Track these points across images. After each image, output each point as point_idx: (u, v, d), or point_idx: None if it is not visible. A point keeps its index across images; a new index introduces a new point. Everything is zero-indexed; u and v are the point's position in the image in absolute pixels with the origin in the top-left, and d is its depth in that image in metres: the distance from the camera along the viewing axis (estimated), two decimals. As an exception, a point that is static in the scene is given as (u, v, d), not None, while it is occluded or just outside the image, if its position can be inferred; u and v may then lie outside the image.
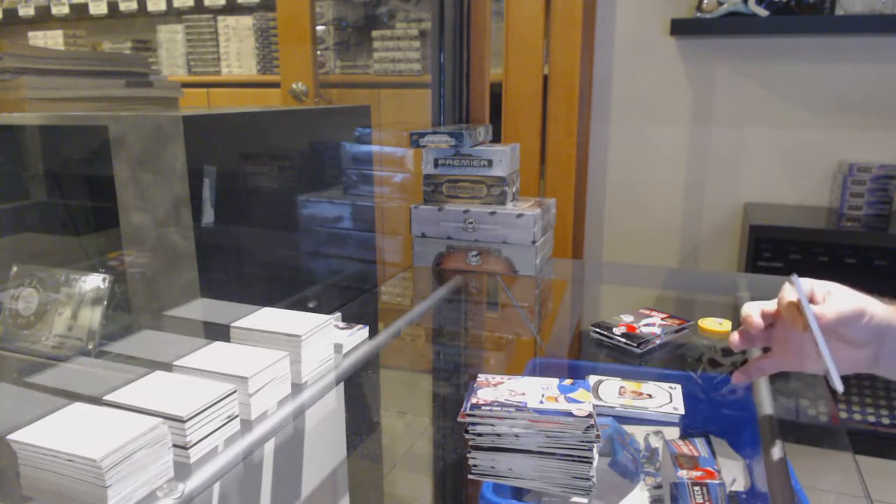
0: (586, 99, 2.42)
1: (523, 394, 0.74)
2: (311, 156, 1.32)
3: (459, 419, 0.73)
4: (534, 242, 1.28)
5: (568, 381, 0.78)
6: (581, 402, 0.72)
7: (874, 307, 0.69)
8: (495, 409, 0.72)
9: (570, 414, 0.70)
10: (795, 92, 2.25)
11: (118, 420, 0.57)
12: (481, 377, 0.79)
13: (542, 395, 0.74)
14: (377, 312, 1.43)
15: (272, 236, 1.21)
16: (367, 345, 0.90)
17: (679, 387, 1.02)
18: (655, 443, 0.95)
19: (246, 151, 1.13)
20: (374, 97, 2.68)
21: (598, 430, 0.70)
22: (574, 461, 0.71)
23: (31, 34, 3.32)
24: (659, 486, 0.87)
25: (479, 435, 0.72)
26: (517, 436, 0.71)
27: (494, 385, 0.77)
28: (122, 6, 3.14)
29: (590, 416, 0.70)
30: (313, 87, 2.53)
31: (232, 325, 0.77)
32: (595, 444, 0.71)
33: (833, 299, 0.70)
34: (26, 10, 3.33)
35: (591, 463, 0.71)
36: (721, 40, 2.28)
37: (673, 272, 2.07)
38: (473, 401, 0.73)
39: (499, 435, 0.72)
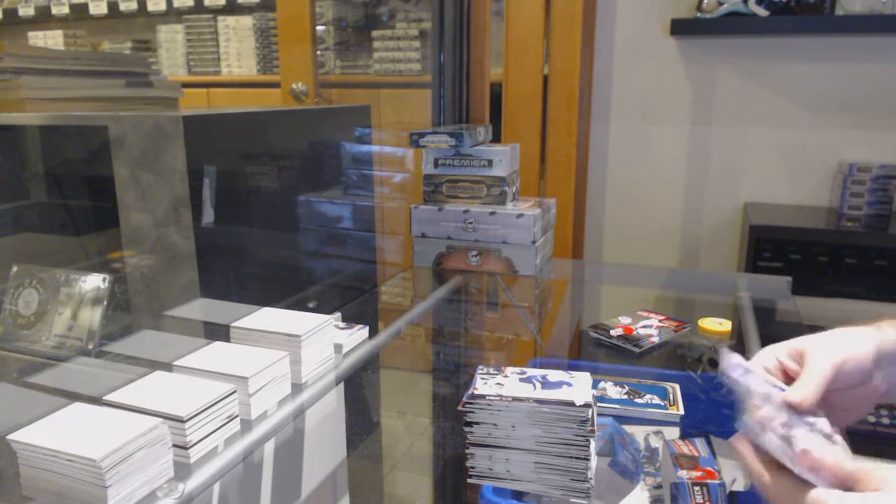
0: (586, 99, 2.42)
1: (523, 383, 0.75)
2: (311, 156, 1.32)
3: (459, 408, 0.73)
4: (534, 242, 1.28)
5: (567, 375, 0.78)
6: (579, 392, 0.73)
7: (851, 349, 0.58)
8: (494, 399, 0.72)
9: (568, 403, 0.70)
10: (795, 92, 2.25)
11: (118, 420, 0.57)
12: (482, 368, 0.80)
13: (542, 385, 0.74)
14: (377, 312, 1.43)
15: (272, 236, 1.21)
16: (367, 345, 0.90)
17: (678, 387, 1.02)
18: (655, 443, 0.95)
19: (246, 151, 1.13)
20: (374, 97, 2.68)
21: (593, 424, 0.70)
22: (571, 459, 0.71)
23: (31, 34, 3.32)
24: (659, 486, 0.87)
25: (477, 423, 0.73)
26: (513, 426, 0.72)
27: (496, 375, 0.78)
28: (122, 6, 3.14)
29: (587, 405, 0.70)
30: (313, 87, 2.53)
31: (232, 325, 0.77)
32: (591, 439, 0.71)
33: (808, 368, 0.57)
34: (26, 10, 3.33)
35: (587, 460, 0.71)
36: (721, 40, 2.28)
37: (673, 272, 2.06)
38: (473, 391, 0.73)
39: (495, 425, 0.73)
